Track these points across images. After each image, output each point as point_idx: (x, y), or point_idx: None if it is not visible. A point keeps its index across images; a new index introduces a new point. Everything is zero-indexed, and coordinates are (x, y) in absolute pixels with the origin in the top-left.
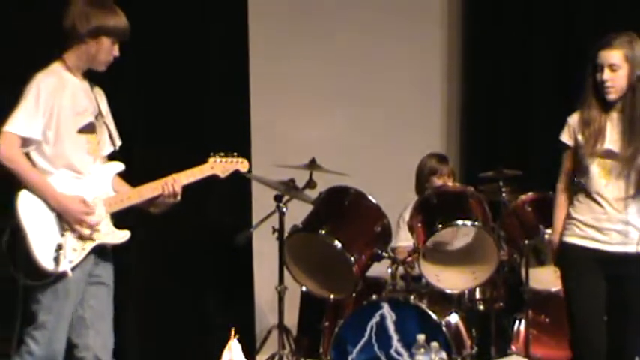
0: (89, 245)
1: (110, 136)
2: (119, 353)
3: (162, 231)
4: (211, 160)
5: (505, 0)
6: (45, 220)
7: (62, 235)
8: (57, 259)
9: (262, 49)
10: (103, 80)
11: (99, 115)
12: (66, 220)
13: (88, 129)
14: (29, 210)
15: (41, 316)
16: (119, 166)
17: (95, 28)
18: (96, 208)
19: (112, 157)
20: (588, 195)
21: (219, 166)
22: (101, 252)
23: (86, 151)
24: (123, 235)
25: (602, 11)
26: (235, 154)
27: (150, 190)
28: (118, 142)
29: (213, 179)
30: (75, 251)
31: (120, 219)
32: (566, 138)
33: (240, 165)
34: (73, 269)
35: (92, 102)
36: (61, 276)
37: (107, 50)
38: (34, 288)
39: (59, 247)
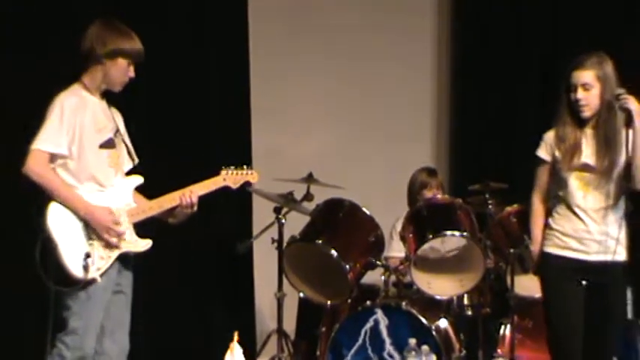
0: (115, 253)
1: (129, 153)
2: (130, 355)
3: (167, 240)
4: (223, 172)
5: (491, 23)
6: (73, 230)
7: (90, 244)
8: (86, 267)
9: (262, 72)
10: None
11: (117, 132)
12: (94, 230)
13: (109, 144)
14: (58, 221)
15: (72, 323)
16: (139, 179)
17: (112, 51)
18: (120, 218)
19: (129, 172)
20: (568, 207)
21: (231, 177)
22: (123, 260)
23: (107, 164)
24: (145, 244)
25: (583, 32)
26: (245, 166)
27: (169, 201)
28: (136, 159)
29: (224, 190)
30: (102, 259)
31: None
32: (543, 153)
33: (250, 176)
34: (100, 276)
35: (110, 120)
36: (90, 282)
37: (123, 71)
38: (65, 295)
39: (87, 256)
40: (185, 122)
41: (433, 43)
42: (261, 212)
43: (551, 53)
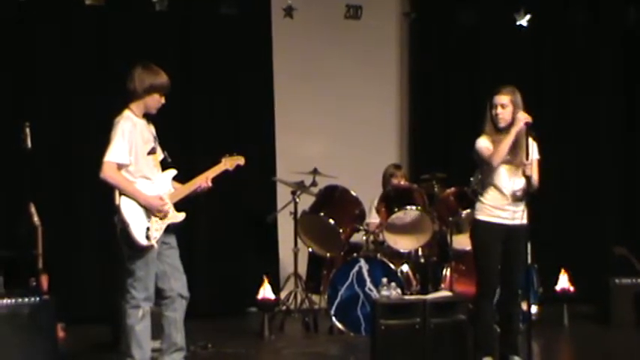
0: (164, 225)
1: (163, 154)
2: (190, 289)
3: (221, 214)
4: (223, 159)
5: (443, 52)
6: (137, 213)
7: (149, 221)
8: (148, 237)
9: (283, 94)
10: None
11: (155, 141)
12: (150, 211)
13: (152, 151)
14: (128, 208)
15: (137, 272)
16: (174, 172)
17: (148, 87)
18: (165, 201)
19: (166, 166)
20: (496, 188)
21: (228, 162)
22: (168, 228)
23: (153, 165)
24: (181, 216)
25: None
26: (235, 153)
27: (193, 185)
28: (169, 158)
29: (228, 173)
30: (157, 230)
31: (181, 206)
32: (487, 144)
33: (239, 160)
34: (156, 242)
35: (151, 134)
36: (150, 247)
37: (157, 101)
38: (134, 255)
39: (148, 229)
40: (227, 134)
41: (398, 80)
42: (283, 194)
43: (477, 82)
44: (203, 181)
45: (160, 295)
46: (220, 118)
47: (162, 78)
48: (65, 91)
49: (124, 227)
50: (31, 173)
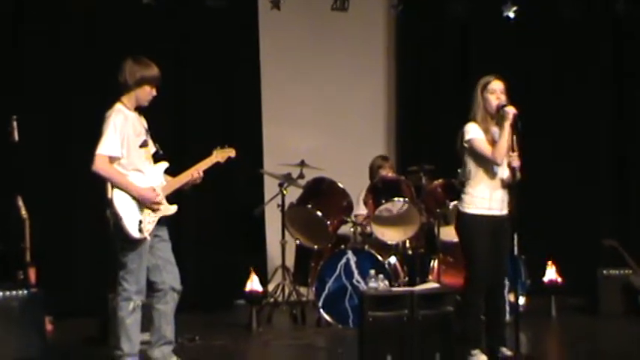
0: (157, 217)
1: (155, 146)
2: (181, 280)
3: (208, 206)
4: (214, 152)
5: (430, 44)
6: (130, 205)
7: (141, 213)
8: (140, 230)
9: (271, 86)
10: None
11: (147, 133)
12: (143, 203)
13: (144, 144)
14: (120, 201)
15: (129, 265)
16: (165, 165)
17: (139, 79)
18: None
19: (158, 159)
20: (488, 175)
21: (219, 154)
22: (160, 220)
23: (145, 158)
24: (174, 208)
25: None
26: (226, 145)
27: (185, 177)
28: (160, 150)
29: (219, 165)
30: (150, 223)
31: (172, 198)
32: (481, 135)
33: (230, 152)
34: (148, 235)
35: (142, 126)
36: (143, 239)
37: (148, 93)
38: (127, 248)
39: (140, 222)
40: (215, 126)
41: (385, 71)
42: (270, 187)
43: (465, 73)
44: (194, 172)
45: (151, 287)
46: (207, 110)
47: (154, 70)
48: (53, 85)
49: (117, 220)
50: (18, 166)
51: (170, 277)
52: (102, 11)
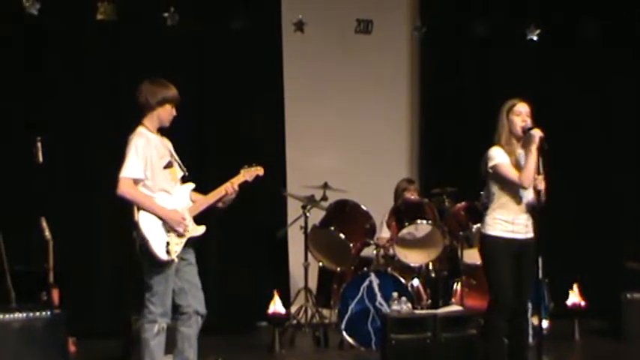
0: (184, 240)
1: (180, 167)
2: (205, 303)
3: (232, 228)
4: (242, 170)
5: (454, 66)
6: (156, 227)
7: (168, 235)
8: (168, 252)
9: (294, 108)
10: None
11: (171, 155)
12: (169, 225)
13: (169, 165)
14: (146, 223)
15: (155, 287)
16: (191, 185)
17: (161, 99)
18: (184, 215)
19: (185, 181)
20: (512, 198)
21: (247, 173)
22: (187, 242)
23: (170, 179)
24: (202, 229)
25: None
26: (254, 164)
27: (215, 196)
28: (186, 172)
29: (247, 184)
30: (177, 245)
31: (200, 219)
32: (507, 160)
33: (258, 171)
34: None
35: (166, 148)
36: (171, 262)
37: (169, 112)
38: (153, 270)
39: (167, 244)
40: (239, 148)
41: (409, 93)
42: (293, 209)
43: (488, 96)
44: (229, 188)
45: (176, 310)
46: (231, 133)
47: (172, 90)
48: (78, 105)
49: (144, 243)
50: (42, 188)
51: (196, 301)
52: (125, 34)
